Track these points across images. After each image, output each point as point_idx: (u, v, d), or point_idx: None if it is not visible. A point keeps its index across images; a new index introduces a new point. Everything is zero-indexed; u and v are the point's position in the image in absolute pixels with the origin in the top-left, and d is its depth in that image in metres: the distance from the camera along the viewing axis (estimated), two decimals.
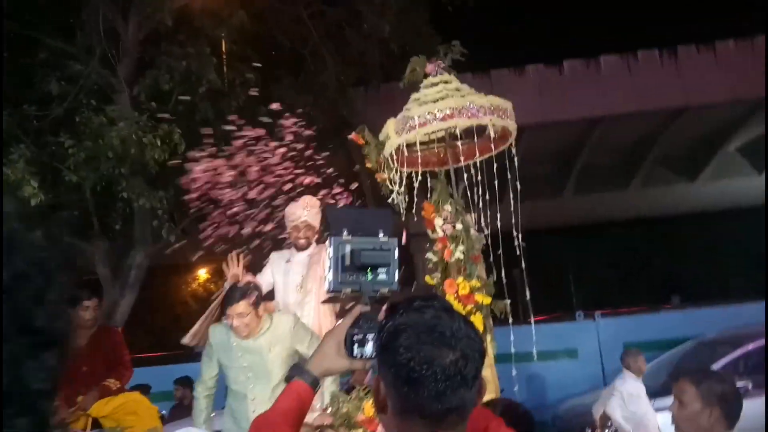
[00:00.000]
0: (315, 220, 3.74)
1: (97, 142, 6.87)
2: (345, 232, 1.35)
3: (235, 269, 3.44)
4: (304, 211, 3.70)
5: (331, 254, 1.33)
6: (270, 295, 3.77)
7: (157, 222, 7.77)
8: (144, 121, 7.10)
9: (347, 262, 1.34)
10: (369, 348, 1.25)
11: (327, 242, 1.36)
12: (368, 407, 2.95)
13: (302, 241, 3.72)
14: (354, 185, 4.93)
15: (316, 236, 3.78)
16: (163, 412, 6.04)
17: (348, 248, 1.34)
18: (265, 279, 3.79)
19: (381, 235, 1.37)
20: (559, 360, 7.75)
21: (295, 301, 3.73)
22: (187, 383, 6.60)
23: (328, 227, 1.38)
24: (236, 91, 8.65)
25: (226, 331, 3.16)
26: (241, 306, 3.01)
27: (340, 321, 1.30)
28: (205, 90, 7.86)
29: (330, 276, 1.33)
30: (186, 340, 3.60)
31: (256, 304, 3.08)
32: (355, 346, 1.26)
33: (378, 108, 4.32)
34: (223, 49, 8.85)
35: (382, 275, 1.36)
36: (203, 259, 8.37)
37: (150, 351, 12.34)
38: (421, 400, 0.92)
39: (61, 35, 7.81)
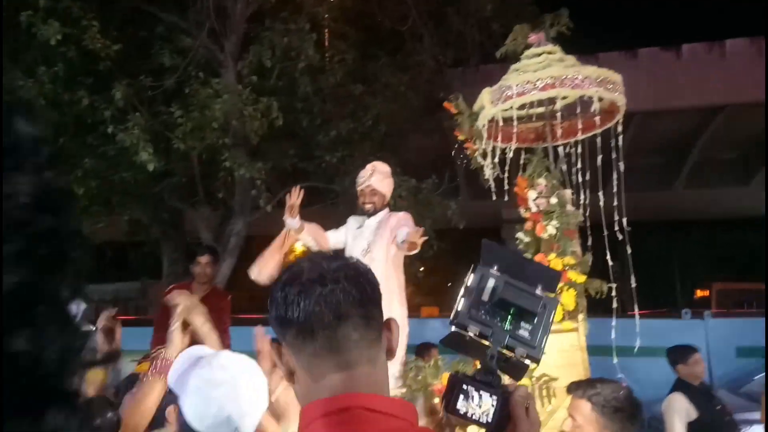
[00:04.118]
0: (381, 185, 3.71)
1: (204, 113, 7.22)
2: (495, 268, 1.11)
3: (293, 200, 3.48)
4: (371, 177, 3.68)
5: (469, 283, 1.10)
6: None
7: (255, 192, 8.07)
8: (246, 94, 7.38)
9: (485, 297, 1.09)
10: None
11: (470, 270, 1.13)
12: (446, 377, 2.87)
13: (368, 206, 3.71)
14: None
15: (384, 203, 3.75)
16: None
17: (492, 282, 1.09)
18: (336, 236, 3.84)
19: (538, 290, 1.10)
20: (661, 358, 7.23)
21: None
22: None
23: (479, 259, 1.15)
24: (334, 67, 8.76)
25: None
26: None
27: None
28: (304, 66, 8.01)
29: (460, 306, 1.09)
30: (253, 274, 3.65)
31: None
32: (461, 398, 0.99)
33: (476, 89, 4.17)
34: (323, 26, 8.95)
35: (524, 331, 1.06)
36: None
37: (247, 312, 12.95)
38: (316, 341, 0.85)
39: (176, 10, 8.26)
